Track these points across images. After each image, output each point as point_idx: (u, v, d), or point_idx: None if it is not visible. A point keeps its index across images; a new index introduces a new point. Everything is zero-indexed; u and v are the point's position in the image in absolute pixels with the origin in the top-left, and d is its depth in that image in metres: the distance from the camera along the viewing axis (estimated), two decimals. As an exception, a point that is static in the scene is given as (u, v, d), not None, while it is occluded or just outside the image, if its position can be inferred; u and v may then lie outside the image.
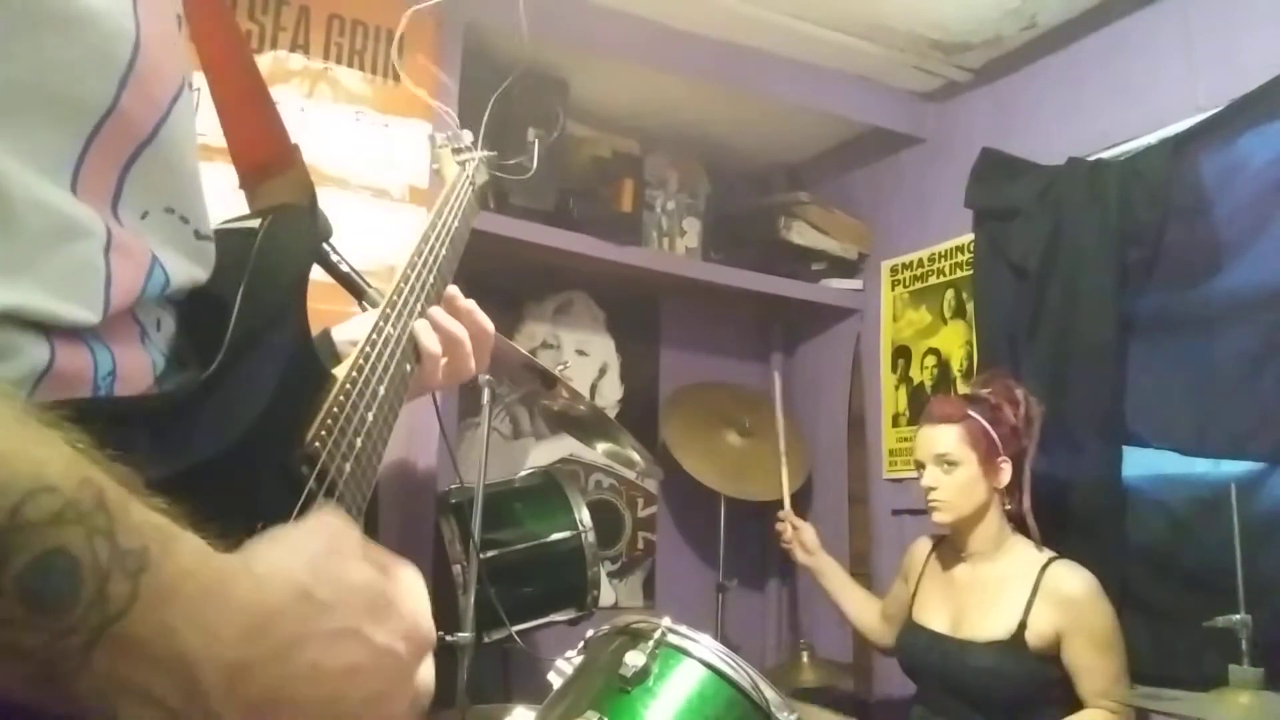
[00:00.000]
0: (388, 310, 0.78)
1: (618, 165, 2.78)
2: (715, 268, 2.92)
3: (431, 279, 0.90)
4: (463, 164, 1.28)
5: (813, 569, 2.44)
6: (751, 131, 2.99)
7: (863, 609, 2.36)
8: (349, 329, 0.95)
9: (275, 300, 0.65)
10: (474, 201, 1.20)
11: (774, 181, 3.33)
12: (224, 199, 0.76)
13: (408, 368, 0.79)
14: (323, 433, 0.60)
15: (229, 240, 0.66)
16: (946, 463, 2.01)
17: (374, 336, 0.73)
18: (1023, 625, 1.88)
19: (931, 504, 2.04)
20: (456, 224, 1.05)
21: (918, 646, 2.06)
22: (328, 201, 0.84)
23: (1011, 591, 1.93)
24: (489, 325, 0.96)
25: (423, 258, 0.90)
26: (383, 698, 0.48)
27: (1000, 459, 2.02)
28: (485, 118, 1.45)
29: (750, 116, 2.87)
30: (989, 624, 1.93)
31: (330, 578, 0.46)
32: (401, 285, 0.84)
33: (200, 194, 0.61)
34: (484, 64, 2.44)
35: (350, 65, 2.11)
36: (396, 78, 2.17)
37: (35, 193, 0.47)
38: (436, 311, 0.88)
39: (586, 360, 2.98)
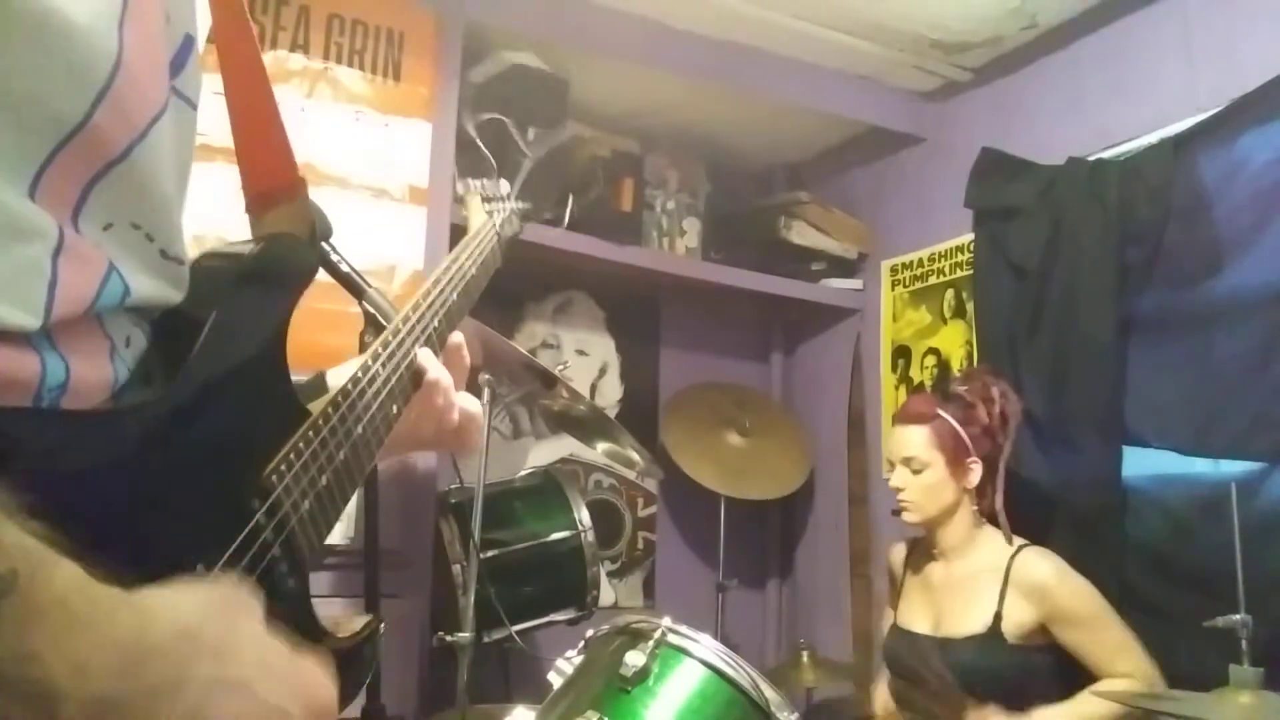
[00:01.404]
0: (379, 350, 0.77)
1: (618, 165, 2.78)
2: (715, 268, 2.92)
3: (436, 323, 0.89)
4: (490, 213, 1.27)
5: None
6: (751, 131, 2.99)
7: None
8: (344, 373, 0.95)
9: (252, 328, 0.63)
10: (497, 251, 1.18)
11: (774, 181, 3.33)
12: (225, 198, 0.76)
13: (394, 409, 0.77)
14: (282, 467, 0.59)
15: (219, 263, 0.65)
16: (913, 465, 2.03)
17: (359, 375, 0.71)
18: (998, 617, 1.89)
19: (900, 504, 2.06)
20: (474, 271, 1.03)
21: (901, 649, 2.07)
22: (328, 201, 0.84)
23: (985, 585, 1.95)
24: (477, 411, 0.93)
25: (429, 300, 0.89)
26: None
27: (970, 459, 2.01)
28: (522, 174, 1.43)
29: (750, 116, 2.87)
30: (966, 619, 1.94)
31: (222, 626, 0.44)
32: (400, 326, 0.82)
33: (174, 215, 0.60)
34: (485, 64, 2.44)
35: (350, 65, 2.11)
36: (397, 77, 2.17)
37: None
38: (425, 354, 0.85)
39: (586, 360, 2.98)
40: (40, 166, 0.49)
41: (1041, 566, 1.91)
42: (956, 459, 2.01)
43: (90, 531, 0.40)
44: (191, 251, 0.66)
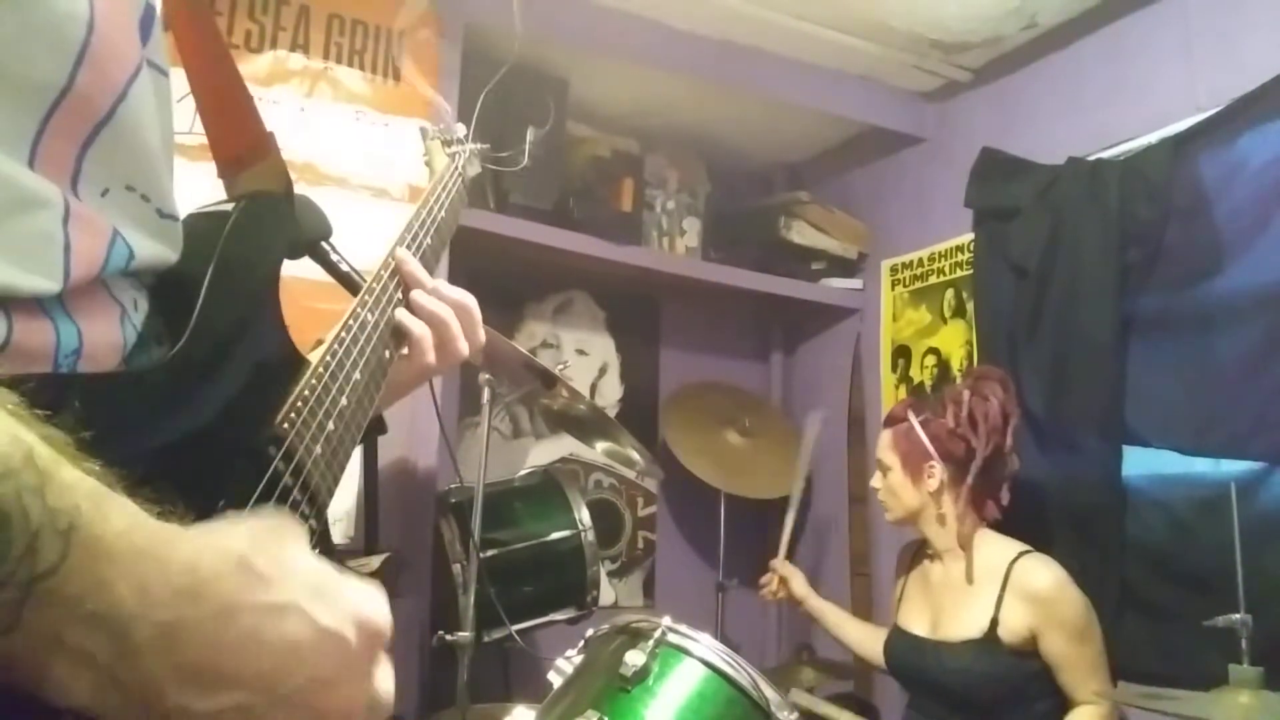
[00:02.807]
0: (366, 297, 0.78)
1: (618, 165, 2.78)
2: (715, 267, 2.92)
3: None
4: (453, 156, 1.28)
5: (809, 612, 2.42)
6: (751, 131, 2.99)
7: (865, 640, 2.30)
8: None
9: (247, 283, 0.65)
10: (462, 193, 1.20)
11: (774, 181, 3.33)
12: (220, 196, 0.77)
13: (386, 354, 0.79)
14: (292, 414, 0.60)
15: (202, 224, 0.66)
16: (881, 467, 2.10)
17: (350, 322, 0.73)
18: (995, 622, 1.88)
19: (879, 503, 2.14)
20: (443, 215, 1.05)
21: (899, 651, 2.07)
22: (328, 201, 0.85)
23: (982, 589, 1.94)
24: (469, 300, 0.94)
25: (405, 246, 0.91)
26: (330, 683, 0.46)
27: (929, 464, 2.01)
28: (477, 109, 1.45)
29: (750, 116, 2.87)
30: (962, 623, 1.94)
31: (271, 554, 0.46)
32: (382, 273, 0.84)
33: (164, 174, 0.62)
34: (484, 64, 2.44)
35: (350, 65, 2.11)
36: (397, 77, 2.17)
37: None
38: (417, 294, 0.88)
39: (586, 360, 2.98)
40: (36, 135, 0.50)
41: (1043, 574, 1.89)
42: (912, 462, 2.03)
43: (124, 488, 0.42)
44: None
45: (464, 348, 0.91)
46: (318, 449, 0.62)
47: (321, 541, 0.64)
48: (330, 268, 0.94)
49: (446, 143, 1.34)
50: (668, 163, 3.03)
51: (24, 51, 0.49)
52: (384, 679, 0.51)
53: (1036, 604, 1.86)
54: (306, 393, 0.63)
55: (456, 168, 1.21)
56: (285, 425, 0.59)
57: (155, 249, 0.60)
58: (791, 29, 2.50)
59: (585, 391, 2.89)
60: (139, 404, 0.52)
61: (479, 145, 1.39)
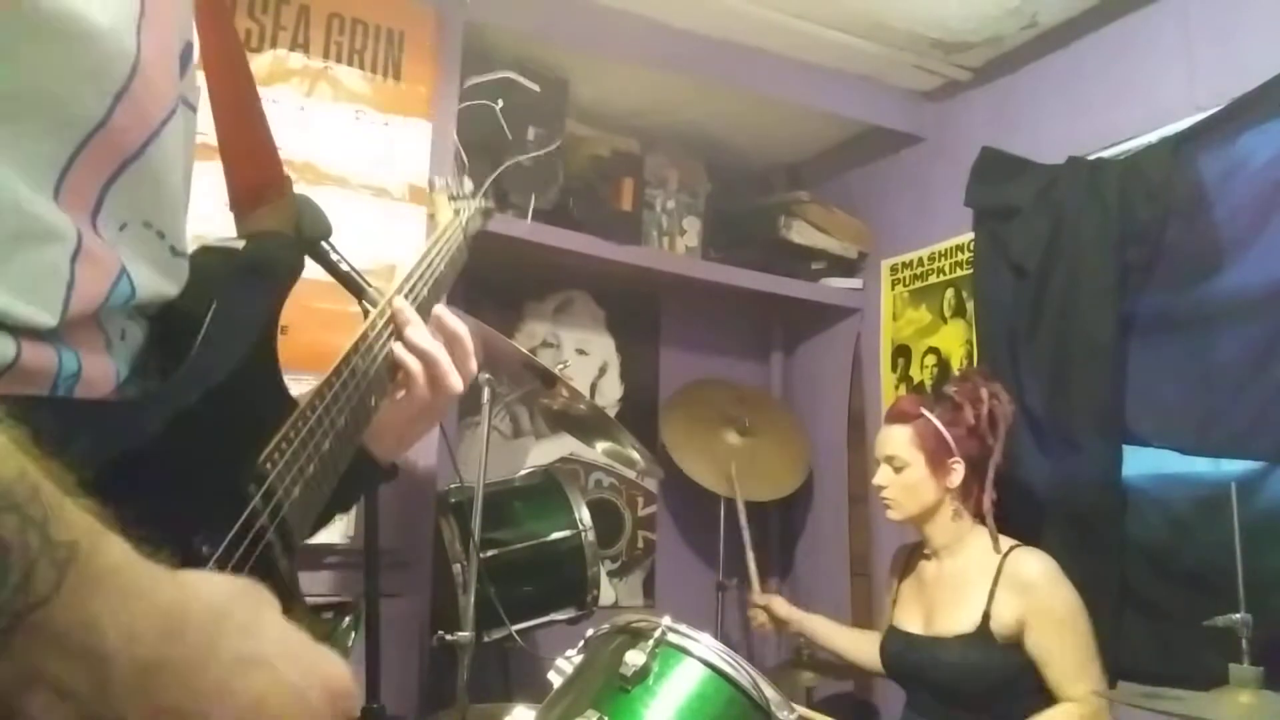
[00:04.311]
0: (359, 344, 0.79)
1: (618, 164, 2.78)
2: (715, 267, 2.92)
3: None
4: (457, 211, 1.28)
5: (801, 632, 2.38)
6: (751, 131, 2.99)
7: (861, 646, 2.28)
8: None
9: (246, 324, 0.66)
10: (463, 247, 1.21)
11: (774, 181, 3.33)
12: (219, 195, 0.77)
13: (372, 400, 0.80)
14: (275, 455, 0.61)
15: (210, 258, 0.67)
16: (895, 463, 2.06)
17: (342, 367, 0.74)
18: (987, 616, 1.90)
19: (882, 501, 2.10)
20: (442, 268, 1.06)
21: (896, 650, 2.08)
22: (328, 201, 0.85)
23: (975, 583, 1.95)
24: (461, 330, 0.95)
25: (403, 296, 0.92)
26: None
27: (952, 460, 2.03)
28: (492, 177, 1.45)
29: (750, 116, 2.87)
30: (956, 618, 1.95)
31: (248, 608, 0.47)
32: (377, 321, 0.85)
33: (181, 211, 0.63)
34: (484, 64, 2.44)
35: (350, 64, 2.11)
36: (397, 76, 2.16)
37: (15, 196, 0.48)
38: (410, 329, 0.89)
39: (586, 359, 2.98)
40: (64, 167, 0.51)
41: (1033, 564, 1.91)
42: (937, 459, 2.03)
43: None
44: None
45: (457, 382, 0.92)
46: (296, 491, 0.62)
47: (289, 581, 0.65)
48: (330, 267, 0.95)
49: (452, 196, 1.35)
50: (668, 162, 3.03)
51: (67, 86, 0.49)
52: None
53: (1025, 594, 1.88)
54: (291, 434, 0.64)
55: (460, 223, 1.21)
56: (268, 465, 0.60)
57: (159, 284, 0.60)
58: (791, 29, 2.50)
59: (585, 391, 2.89)
60: (130, 433, 0.53)
61: (485, 203, 1.39)
